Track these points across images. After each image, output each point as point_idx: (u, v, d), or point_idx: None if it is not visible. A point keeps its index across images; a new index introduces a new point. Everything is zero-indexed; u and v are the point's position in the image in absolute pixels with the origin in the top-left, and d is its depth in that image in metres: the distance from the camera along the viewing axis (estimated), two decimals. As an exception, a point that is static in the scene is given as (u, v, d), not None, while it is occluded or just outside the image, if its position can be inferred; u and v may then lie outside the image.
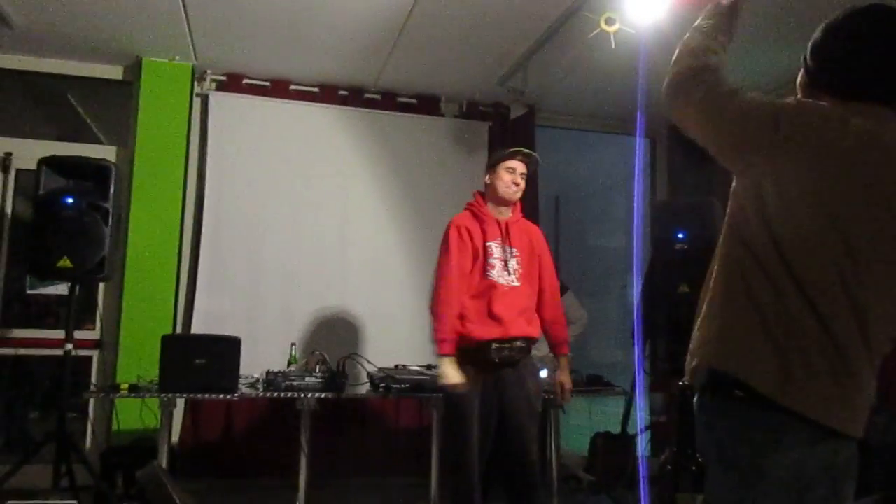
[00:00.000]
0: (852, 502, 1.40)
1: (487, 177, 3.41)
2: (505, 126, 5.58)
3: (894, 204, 1.36)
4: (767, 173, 1.41)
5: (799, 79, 1.58)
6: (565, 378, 3.44)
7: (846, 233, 1.36)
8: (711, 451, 1.29)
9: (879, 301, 1.38)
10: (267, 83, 5.27)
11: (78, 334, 4.21)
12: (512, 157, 3.35)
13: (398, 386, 3.85)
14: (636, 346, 1.39)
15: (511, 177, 3.31)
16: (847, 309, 1.35)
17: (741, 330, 1.39)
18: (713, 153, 1.52)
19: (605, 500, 4.66)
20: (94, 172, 4.01)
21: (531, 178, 5.36)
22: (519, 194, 3.37)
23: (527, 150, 3.41)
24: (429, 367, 4.16)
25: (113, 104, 5.23)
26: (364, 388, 3.98)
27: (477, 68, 4.98)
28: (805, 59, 1.54)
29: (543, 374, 3.84)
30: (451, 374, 3.13)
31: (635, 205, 1.55)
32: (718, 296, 1.46)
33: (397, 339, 5.01)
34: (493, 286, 3.22)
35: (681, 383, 1.07)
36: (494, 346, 3.17)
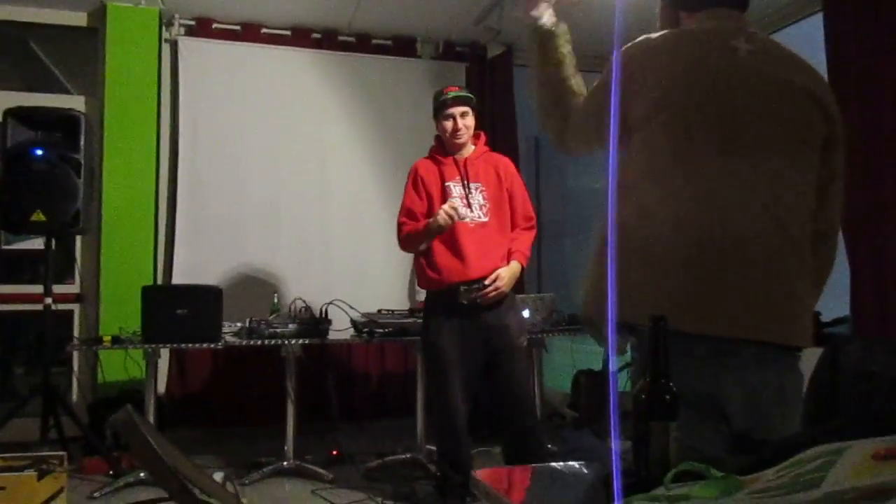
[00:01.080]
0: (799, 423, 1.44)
1: (436, 126, 3.36)
2: (482, 66, 5.50)
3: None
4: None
5: (658, 9, 1.69)
6: (504, 273, 3.18)
7: None
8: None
9: None
10: (238, 27, 5.14)
11: (58, 288, 4.18)
12: (443, 106, 3.27)
13: (381, 330, 3.87)
14: (609, 272, 1.40)
15: (450, 123, 3.25)
16: None
17: None
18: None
19: (588, 434, 4.77)
20: (63, 123, 3.91)
21: (507, 116, 5.34)
22: (466, 135, 3.27)
23: (454, 94, 3.29)
24: (412, 311, 4.19)
25: (79, 52, 5.08)
26: (347, 334, 4.00)
27: (452, 7, 4.87)
28: None
29: (526, 313, 3.88)
30: None
31: (611, 142, 1.52)
32: None
33: (380, 283, 5.03)
34: (457, 225, 3.15)
35: (653, 316, 1.08)
36: (463, 288, 3.13)
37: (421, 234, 3.19)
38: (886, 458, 0.72)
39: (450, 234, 3.17)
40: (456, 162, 3.30)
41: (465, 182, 3.26)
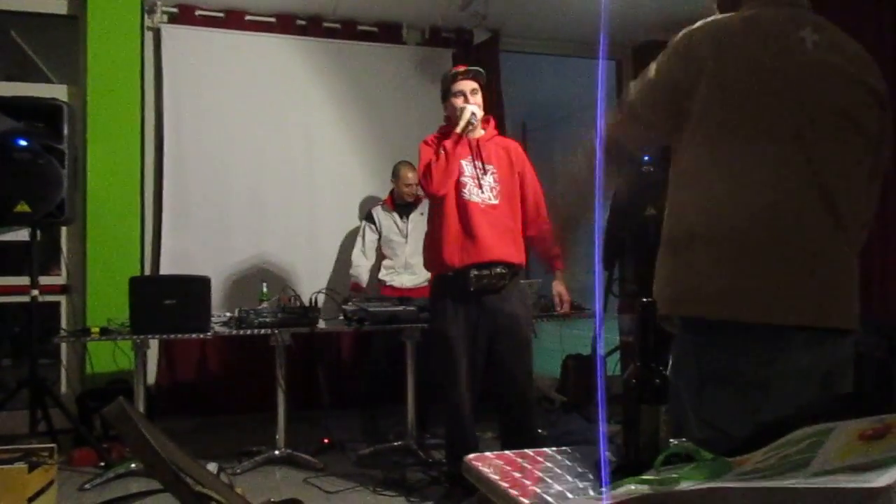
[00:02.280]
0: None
1: (445, 110, 3.32)
2: (468, 52, 5.47)
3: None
4: None
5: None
6: (561, 289, 3.46)
7: None
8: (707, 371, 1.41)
9: None
10: (221, 14, 5.08)
11: (44, 280, 4.15)
12: (454, 80, 3.24)
13: (371, 319, 3.87)
14: (596, 269, 1.45)
15: (460, 100, 3.20)
16: None
17: None
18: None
19: (577, 418, 4.81)
20: (46, 113, 3.87)
21: (494, 102, 5.32)
22: (480, 114, 3.25)
23: (465, 68, 3.29)
24: (402, 300, 4.19)
25: (60, 41, 5.01)
26: (337, 322, 4.00)
27: (438, -8, 4.84)
28: None
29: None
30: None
31: (598, 128, 1.53)
32: None
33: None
34: (467, 205, 3.13)
35: (644, 300, 1.09)
36: (473, 273, 3.10)
37: (440, 153, 3.13)
38: (873, 437, 0.73)
39: (461, 216, 3.14)
40: (468, 141, 3.23)
41: (477, 162, 3.22)
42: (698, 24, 1.51)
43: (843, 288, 1.47)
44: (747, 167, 1.43)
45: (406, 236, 4.61)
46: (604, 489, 0.93)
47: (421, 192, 4.48)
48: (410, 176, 4.55)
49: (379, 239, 4.67)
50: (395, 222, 4.64)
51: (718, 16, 1.53)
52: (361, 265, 4.66)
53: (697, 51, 1.46)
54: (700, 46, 1.46)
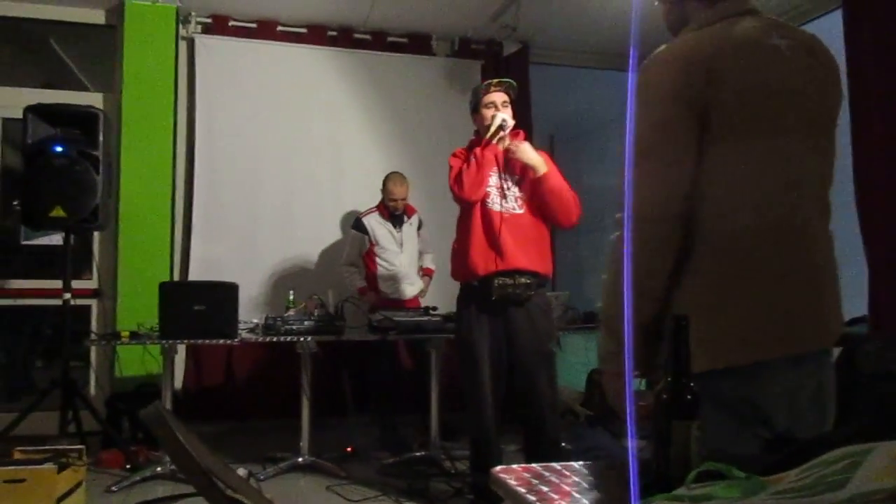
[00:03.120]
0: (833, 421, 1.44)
1: (474, 121, 3.32)
2: (498, 64, 5.49)
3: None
4: None
5: (663, 9, 1.58)
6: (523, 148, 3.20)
7: None
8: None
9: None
10: (254, 24, 5.16)
11: (76, 284, 4.23)
12: (486, 91, 3.24)
13: (396, 328, 3.88)
14: (625, 282, 1.35)
15: (491, 111, 3.20)
16: None
17: None
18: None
19: (602, 433, 4.76)
20: (82, 120, 3.96)
21: (523, 114, 5.32)
22: (510, 123, 3.24)
23: (498, 79, 3.29)
24: (426, 310, 4.19)
25: (97, 49, 5.13)
26: (363, 331, 4.01)
27: (468, 5, 4.87)
28: None
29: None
30: None
31: (627, 142, 1.50)
32: None
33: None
34: (491, 214, 3.14)
35: (676, 315, 1.08)
36: (497, 282, 3.09)
37: (471, 161, 3.13)
38: (913, 459, 0.72)
39: (485, 225, 3.15)
40: (495, 153, 3.23)
41: (502, 173, 3.23)
42: (679, 44, 1.45)
43: (838, 302, 1.45)
44: (772, 188, 1.40)
45: (401, 245, 4.61)
46: (634, 505, 0.93)
47: (400, 206, 4.56)
48: (396, 191, 4.53)
49: (371, 247, 4.61)
50: (391, 231, 4.61)
51: (689, 35, 1.46)
52: (355, 273, 4.65)
53: (700, 69, 1.37)
54: (702, 65, 1.37)
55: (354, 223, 4.68)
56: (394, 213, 4.60)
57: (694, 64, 1.38)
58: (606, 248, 1.51)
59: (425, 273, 4.78)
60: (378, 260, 4.60)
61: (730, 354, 1.35)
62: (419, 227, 4.75)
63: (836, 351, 1.55)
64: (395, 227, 4.62)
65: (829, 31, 4.13)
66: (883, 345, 2.49)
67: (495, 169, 3.22)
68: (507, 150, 3.17)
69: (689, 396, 1.05)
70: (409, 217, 4.67)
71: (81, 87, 5.15)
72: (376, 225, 4.61)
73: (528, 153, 3.17)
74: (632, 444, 1.13)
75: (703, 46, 1.40)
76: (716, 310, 1.38)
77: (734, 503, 0.78)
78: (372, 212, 4.67)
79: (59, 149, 3.83)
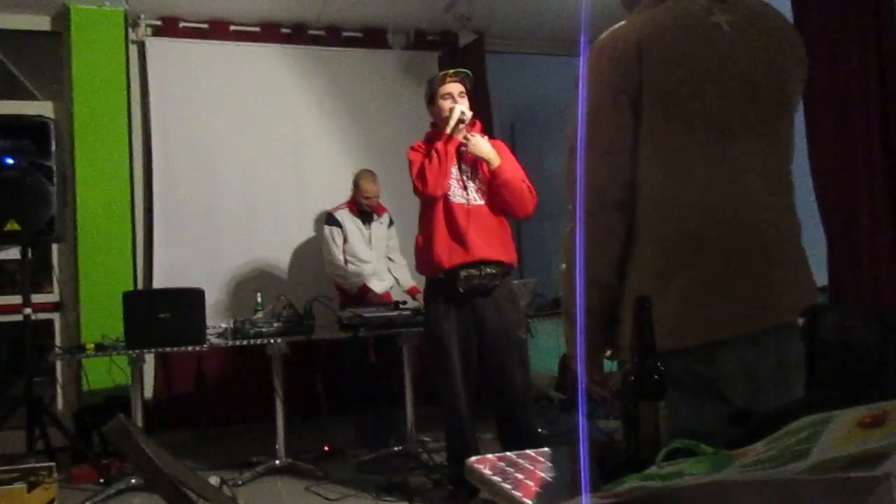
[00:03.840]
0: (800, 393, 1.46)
1: (430, 113, 3.32)
2: (454, 54, 5.48)
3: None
4: None
5: None
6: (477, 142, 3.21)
7: None
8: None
9: None
10: (205, 25, 5.08)
11: (36, 297, 4.13)
12: (442, 82, 3.23)
13: (367, 325, 3.87)
14: (577, 270, 1.37)
15: (448, 102, 3.20)
16: None
17: None
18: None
19: (577, 416, 4.81)
20: (32, 130, 3.85)
21: (481, 103, 5.32)
22: (469, 114, 3.25)
23: (454, 70, 3.29)
24: (396, 304, 4.19)
25: (44, 57, 5.00)
26: (333, 330, 3.99)
27: (422, -4, 4.85)
28: None
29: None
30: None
31: (579, 127, 1.50)
32: None
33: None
34: (452, 206, 3.15)
35: (638, 297, 1.09)
36: (462, 273, 3.11)
37: (433, 155, 3.12)
38: (871, 424, 0.73)
39: (447, 218, 3.15)
40: (455, 146, 3.22)
41: (462, 165, 3.23)
42: (614, 30, 1.43)
43: (793, 279, 1.44)
44: (702, 170, 1.38)
45: (369, 243, 4.60)
46: (585, 495, 0.94)
47: (374, 203, 4.54)
48: (370, 189, 4.50)
49: (343, 242, 4.57)
50: (360, 228, 4.58)
51: (629, 19, 1.45)
52: (350, 268, 4.59)
53: (626, 56, 1.36)
54: (631, 51, 1.36)
55: (327, 219, 4.62)
56: (365, 210, 4.57)
57: (626, 50, 1.36)
58: (561, 238, 1.52)
59: (411, 291, 4.71)
60: (346, 256, 4.57)
61: (679, 337, 1.35)
62: (389, 225, 4.73)
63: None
64: (364, 223, 4.59)
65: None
66: (842, 314, 2.55)
67: (455, 161, 3.22)
68: (460, 144, 3.18)
69: (655, 377, 1.06)
70: (378, 216, 4.65)
71: (30, 97, 5.02)
72: (347, 220, 4.57)
73: (481, 146, 3.18)
74: (582, 423, 1.13)
75: (635, 30, 1.38)
76: (659, 296, 1.35)
77: (703, 478, 0.79)
78: (342, 207, 4.63)
79: (9, 161, 3.73)
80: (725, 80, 1.38)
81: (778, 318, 1.41)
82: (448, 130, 3.15)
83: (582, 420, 1.07)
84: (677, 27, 1.38)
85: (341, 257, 4.53)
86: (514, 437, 3.19)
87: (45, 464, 3.05)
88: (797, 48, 1.48)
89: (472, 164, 3.24)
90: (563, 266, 1.51)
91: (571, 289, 1.44)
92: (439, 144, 3.14)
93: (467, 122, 3.19)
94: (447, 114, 3.18)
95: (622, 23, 1.45)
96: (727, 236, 1.37)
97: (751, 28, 1.41)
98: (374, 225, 4.61)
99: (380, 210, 4.66)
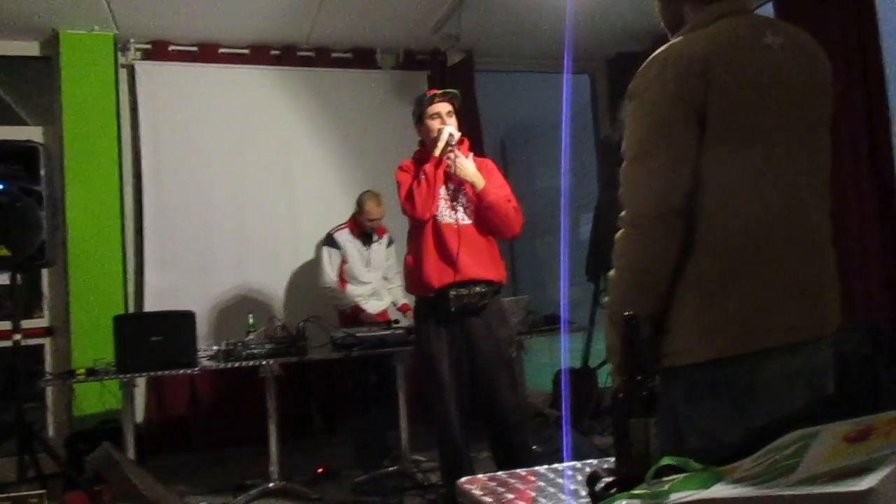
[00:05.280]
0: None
1: (418, 132, 3.33)
2: (443, 74, 5.52)
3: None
4: None
5: (660, 8, 1.62)
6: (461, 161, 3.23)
7: None
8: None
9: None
10: (195, 48, 5.10)
11: (26, 323, 4.10)
12: (430, 103, 3.24)
13: (360, 345, 3.85)
14: (562, 286, 1.41)
15: (437, 122, 3.21)
16: None
17: None
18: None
19: (572, 433, 4.79)
20: (22, 155, 3.83)
21: (471, 121, 5.36)
22: (457, 135, 3.24)
23: (442, 90, 3.30)
24: (389, 324, 4.18)
25: (34, 82, 5.01)
26: (326, 350, 3.98)
27: (410, 17, 4.89)
28: None
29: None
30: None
31: (563, 145, 1.52)
32: None
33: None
34: (441, 226, 3.15)
35: (627, 314, 1.09)
36: (452, 293, 3.10)
37: (421, 179, 3.13)
38: (857, 439, 0.74)
39: (436, 238, 3.15)
40: (443, 168, 3.23)
41: (449, 184, 3.23)
42: (675, 44, 1.48)
43: (835, 290, 1.50)
44: (767, 186, 1.44)
45: (368, 264, 4.59)
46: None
47: (376, 225, 4.52)
48: (375, 211, 4.48)
49: (342, 263, 4.56)
50: (360, 250, 4.57)
51: (686, 35, 1.50)
52: (347, 289, 4.57)
53: (698, 68, 1.41)
54: (698, 64, 1.42)
55: (326, 240, 4.61)
56: (367, 231, 4.57)
57: (691, 64, 1.42)
58: (615, 245, 1.53)
59: (403, 308, 4.70)
60: (345, 277, 4.56)
61: (730, 343, 1.39)
62: (388, 245, 4.71)
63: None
64: (364, 245, 4.58)
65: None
66: (852, 328, 2.56)
67: (443, 182, 3.23)
68: (447, 166, 3.18)
69: (644, 393, 1.06)
70: (379, 237, 4.64)
71: (19, 122, 5.03)
72: (347, 242, 4.56)
73: (466, 169, 3.18)
74: (567, 441, 1.13)
75: (699, 46, 1.44)
76: (716, 301, 1.42)
77: (691, 495, 0.79)
78: (343, 228, 4.62)
79: (-1, 186, 3.72)
80: (777, 98, 1.44)
81: (824, 330, 1.46)
82: (436, 153, 3.16)
83: (566, 438, 1.08)
84: (736, 46, 1.44)
85: (335, 279, 4.52)
86: (508, 456, 3.17)
87: (37, 491, 3.00)
88: (828, 69, 1.55)
89: (460, 184, 3.24)
90: (612, 272, 1.52)
91: (622, 295, 1.47)
92: (427, 167, 3.15)
93: (455, 143, 3.20)
94: (435, 134, 3.19)
95: (680, 38, 1.50)
96: (782, 247, 1.43)
97: (795, 50, 1.49)
98: (374, 246, 4.60)
99: (381, 231, 4.65)
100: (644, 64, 1.50)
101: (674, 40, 1.50)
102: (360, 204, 4.55)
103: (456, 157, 3.18)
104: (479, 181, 3.18)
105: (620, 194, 1.50)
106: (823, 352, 1.49)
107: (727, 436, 1.28)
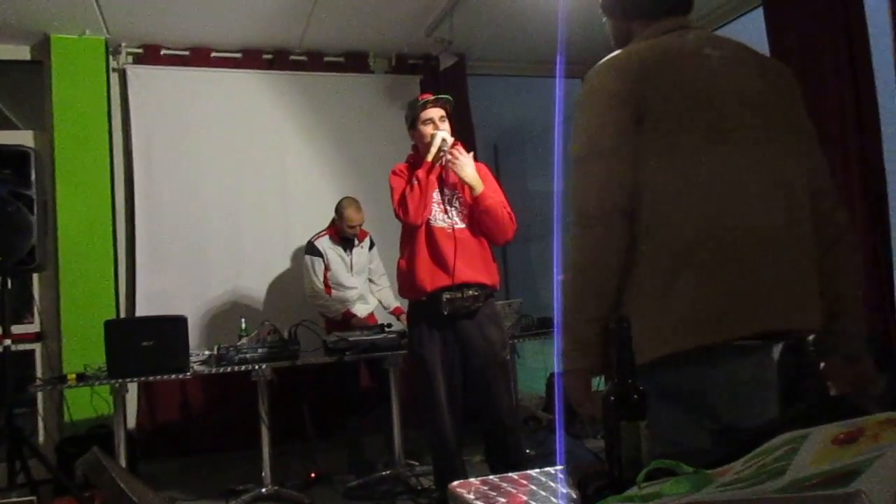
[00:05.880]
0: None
1: (411, 136, 3.33)
2: (436, 77, 5.52)
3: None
4: None
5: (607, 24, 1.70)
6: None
7: None
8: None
9: None
10: (186, 52, 5.09)
11: (17, 328, 4.08)
12: (423, 108, 3.24)
13: (352, 349, 3.85)
14: (555, 289, 1.42)
15: (430, 127, 3.21)
16: None
17: None
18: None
19: (564, 436, 4.80)
20: (13, 159, 3.81)
21: (463, 125, 5.36)
22: (450, 140, 3.24)
23: (434, 96, 3.30)
24: (382, 327, 4.17)
25: (25, 86, 4.99)
26: (318, 354, 3.97)
27: (403, 21, 4.89)
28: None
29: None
30: None
31: (556, 149, 1.53)
32: None
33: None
34: (434, 231, 3.15)
35: (618, 317, 1.10)
36: (445, 296, 3.10)
37: (414, 183, 3.13)
38: (846, 441, 0.74)
39: (429, 242, 3.15)
40: (436, 173, 3.23)
41: (444, 189, 3.23)
42: (615, 54, 1.55)
43: (798, 290, 1.48)
44: (703, 177, 1.45)
45: (351, 269, 4.59)
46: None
47: (357, 231, 4.51)
48: (355, 218, 4.47)
49: (325, 270, 4.54)
50: (342, 256, 4.56)
51: (630, 47, 1.57)
52: (333, 294, 4.57)
53: (634, 71, 1.47)
54: (635, 67, 1.48)
55: (308, 248, 4.60)
56: (347, 237, 4.56)
57: (631, 70, 1.48)
58: (564, 250, 1.57)
59: (396, 312, 4.70)
60: (330, 283, 4.55)
61: (672, 340, 1.40)
62: (370, 248, 4.72)
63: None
64: (345, 250, 4.58)
65: (749, 32, 4.28)
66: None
67: (436, 186, 3.23)
68: (446, 162, 3.18)
69: (635, 397, 1.06)
70: (360, 240, 4.64)
71: (10, 126, 5.00)
72: (328, 248, 4.56)
73: (466, 169, 3.16)
74: (560, 444, 1.13)
75: (641, 54, 1.51)
76: (659, 301, 1.43)
77: (682, 499, 0.79)
78: (323, 235, 4.61)
79: (-11, 191, 3.70)
80: (720, 97, 1.47)
81: (763, 326, 1.43)
82: (429, 158, 3.16)
83: (560, 442, 1.07)
84: (677, 54, 1.51)
85: (321, 287, 4.52)
86: (503, 459, 3.17)
87: (27, 498, 3.00)
88: (785, 81, 1.59)
89: (454, 188, 3.24)
90: (564, 275, 1.53)
91: (573, 301, 1.50)
92: (420, 172, 3.15)
93: (448, 148, 3.20)
94: (428, 140, 3.19)
95: (624, 48, 1.57)
96: (726, 247, 1.42)
97: (736, 62, 1.54)
98: (355, 251, 4.60)
99: (361, 235, 4.65)
100: (589, 72, 1.55)
101: (613, 53, 1.56)
102: (339, 211, 4.54)
103: (458, 155, 3.16)
104: (477, 185, 3.18)
105: (569, 197, 1.53)
106: (768, 358, 1.46)
107: (673, 438, 1.29)
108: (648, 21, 1.60)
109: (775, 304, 1.44)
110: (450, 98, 3.31)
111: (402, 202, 3.14)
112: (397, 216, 3.19)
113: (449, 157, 3.17)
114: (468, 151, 3.30)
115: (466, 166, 3.17)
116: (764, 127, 1.49)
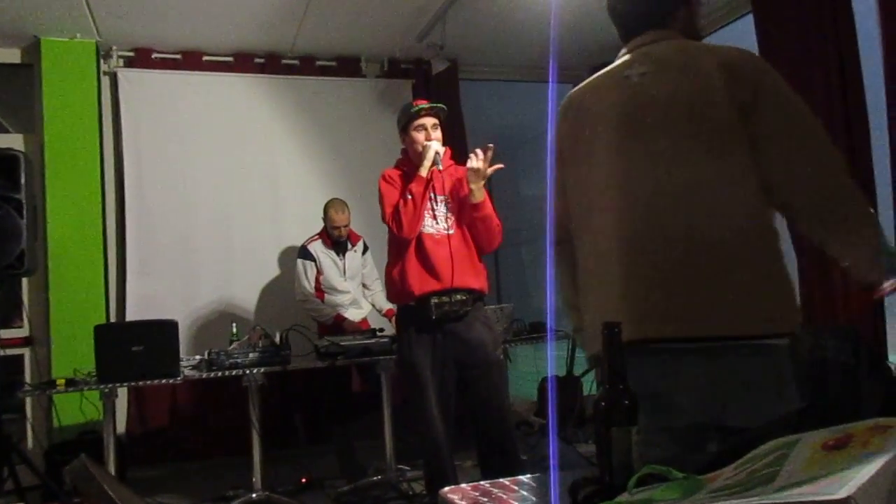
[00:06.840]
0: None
1: (402, 140, 3.33)
2: (428, 82, 5.53)
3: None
4: None
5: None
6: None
7: None
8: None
9: None
10: (178, 56, 5.08)
11: (5, 332, 4.05)
12: (416, 116, 3.23)
13: (344, 353, 3.83)
14: (548, 294, 1.60)
15: (422, 135, 3.21)
16: None
17: None
18: None
19: (556, 441, 4.79)
20: (2, 163, 3.79)
21: (455, 130, 5.37)
22: (442, 150, 3.23)
23: (428, 104, 3.29)
24: (374, 332, 4.16)
25: (14, 90, 4.96)
26: (310, 359, 3.95)
27: (395, 25, 4.89)
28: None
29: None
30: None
31: (548, 153, 1.57)
32: None
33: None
34: (423, 237, 3.14)
35: (608, 322, 1.10)
36: (434, 300, 3.09)
37: (407, 198, 3.12)
38: (836, 447, 0.74)
39: (417, 248, 3.14)
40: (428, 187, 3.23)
41: (431, 194, 3.23)
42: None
43: (729, 293, 1.47)
44: (619, 197, 1.61)
45: (344, 273, 4.58)
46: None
47: (343, 233, 4.53)
48: (338, 218, 4.49)
49: (317, 274, 4.55)
50: (334, 260, 4.56)
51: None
52: (326, 298, 4.56)
53: (562, 111, 1.79)
54: (563, 108, 1.80)
55: (301, 252, 4.60)
56: (337, 240, 4.56)
57: (561, 108, 1.79)
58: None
59: (388, 314, 4.68)
60: (323, 288, 4.54)
61: (590, 346, 1.69)
62: (364, 252, 4.71)
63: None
64: (338, 254, 4.57)
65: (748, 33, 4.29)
66: (814, 334, 2.58)
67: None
68: (468, 170, 3.14)
69: (626, 402, 1.06)
70: (353, 244, 4.63)
71: (0, 129, 4.97)
72: (320, 252, 4.55)
73: (477, 193, 3.16)
74: (553, 447, 1.13)
75: (576, 93, 1.79)
76: (584, 310, 1.70)
77: (673, 505, 0.79)
78: (315, 239, 4.61)
79: (-23, 195, 3.67)
80: (631, 115, 1.61)
81: (634, 335, 1.43)
82: (423, 173, 3.15)
83: (552, 447, 1.08)
84: (596, 83, 1.73)
85: (311, 291, 4.51)
86: (494, 464, 3.16)
87: (14, 504, 2.97)
88: (712, 84, 1.54)
89: (444, 195, 3.24)
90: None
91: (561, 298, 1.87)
92: (414, 187, 3.13)
93: (440, 160, 3.19)
94: (420, 148, 3.19)
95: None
96: (640, 253, 1.55)
97: (659, 76, 1.61)
98: (348, 255, 4.59)
99: (354, 239, 4.65)
100: None
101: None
102: (325, 212, 4.56)
103: (479, 188, 3.14)
104: (482, 193, 3.19)
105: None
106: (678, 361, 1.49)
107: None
108: (623, 46, 1.75)
109: (695, 308, 1.48)
110: (443, 107, 3.32)
111: (396, 217, 3.13)
112: (390, 228, 3.19)
113: (478, 164, 3.11)
114: (459, 157, 3.30)
115: (480, 191, 3.17)
116: (682, 135, 1.54)
